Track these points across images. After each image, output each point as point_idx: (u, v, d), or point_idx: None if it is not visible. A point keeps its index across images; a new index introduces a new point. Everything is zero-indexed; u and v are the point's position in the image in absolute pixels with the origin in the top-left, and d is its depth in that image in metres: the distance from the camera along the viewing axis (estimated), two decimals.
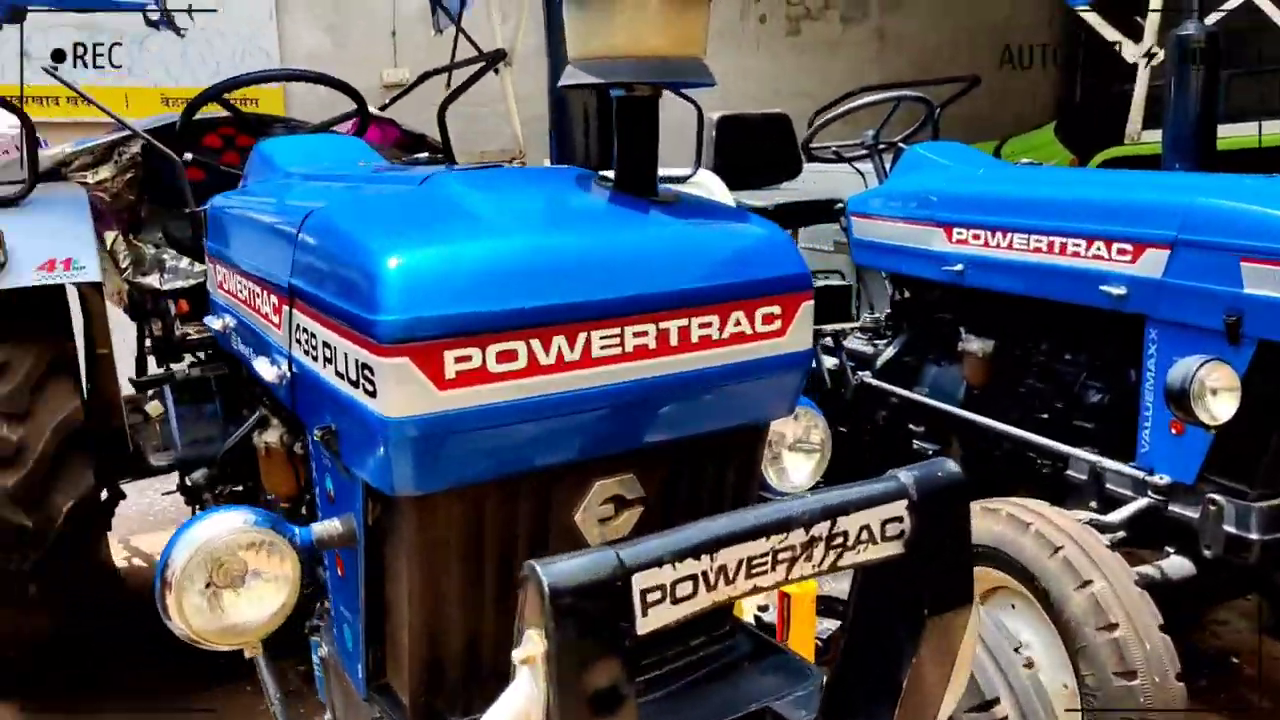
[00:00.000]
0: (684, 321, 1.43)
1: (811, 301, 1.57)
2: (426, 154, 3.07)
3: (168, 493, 3.11)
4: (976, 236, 3.33)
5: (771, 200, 4.71)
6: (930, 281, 3.63)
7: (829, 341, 4.22)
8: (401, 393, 1.26)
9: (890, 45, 8.36)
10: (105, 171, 3.47)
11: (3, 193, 2.83)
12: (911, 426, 3.76)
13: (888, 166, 4.22)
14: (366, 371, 1.30)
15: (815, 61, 8.04)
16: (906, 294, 3.98)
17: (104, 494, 3.19)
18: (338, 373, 1.41)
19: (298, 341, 1.59)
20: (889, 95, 4.21)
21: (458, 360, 1.27)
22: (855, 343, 4.21)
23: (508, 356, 1.30)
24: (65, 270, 2.82)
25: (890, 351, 3.98)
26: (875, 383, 3.87)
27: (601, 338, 1.36)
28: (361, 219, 1.48)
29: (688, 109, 3.22)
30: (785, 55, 8.00)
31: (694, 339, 1.45)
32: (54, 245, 2.81)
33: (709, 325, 1.46)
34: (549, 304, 1.32)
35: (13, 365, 2.78)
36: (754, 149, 5.17)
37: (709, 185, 4.11)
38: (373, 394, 1.30)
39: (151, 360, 3.46)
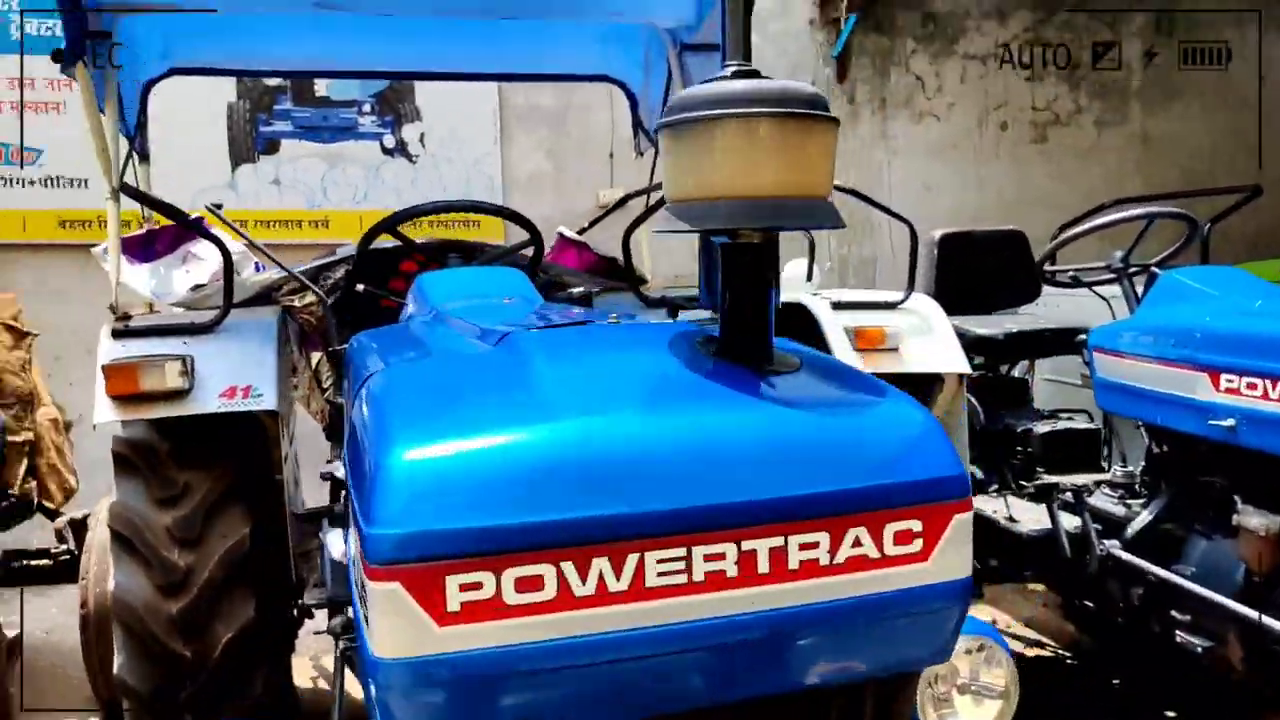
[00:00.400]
0: (778, 540, 1.09)
1: (970, 514, 1.17)
2: (580, 289, 2.91)
3: (318, 633, 3.03)
4: (1253, 386, 2.69)
5: (1002, 328, 4.19)
6: (1194, 436, 2.97)
7: (1069, 497, 3.60)
8: (391, 627, 1.00)
9: (1155, 150, 7.50)
10: (311, 295, 3.58)
11: (200, 319, 2.93)
12: (1175, 614, 3.05)
13: (1139, 293, 3.61)
14: (363, 593, 1.05)
15: (1065, 170, 7.35)
16: (1165, 448, 3.31)
17: (295, 611, 3.18)
18: (358, 581, 1.17)
19: (348, 527, 1.38)
20: (1140, 212, 3.63)
21: (464, 588, 1.00)
22: (1103, 500, 3.56)
23: (530, 584, 1.01)
24: (244, 398, 2.85)
25: (1146, 516, 3.30)
26: (1126, 556, 3.20)
27: (660, 561, 1.05)
28: (398, 394, 1.27)
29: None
30: (1031, 164, 7.37)
31: (793, 565, 1.09)
32: (238, 373, 2.86)
33: (814, 546, 1.10)
34: (588, 515, 1.03)
35: (191, 489, 2.83)
36: (983, 270, 4.66)
37: (923, 311, 3.70)
38: (368, 622, 1.04)
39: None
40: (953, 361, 3.56)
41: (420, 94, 5.75)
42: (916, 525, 1.13)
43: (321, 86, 5.60)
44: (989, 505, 3.82)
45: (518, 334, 1.43)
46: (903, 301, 3.68)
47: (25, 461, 3.67)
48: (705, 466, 1.09)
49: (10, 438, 3.60)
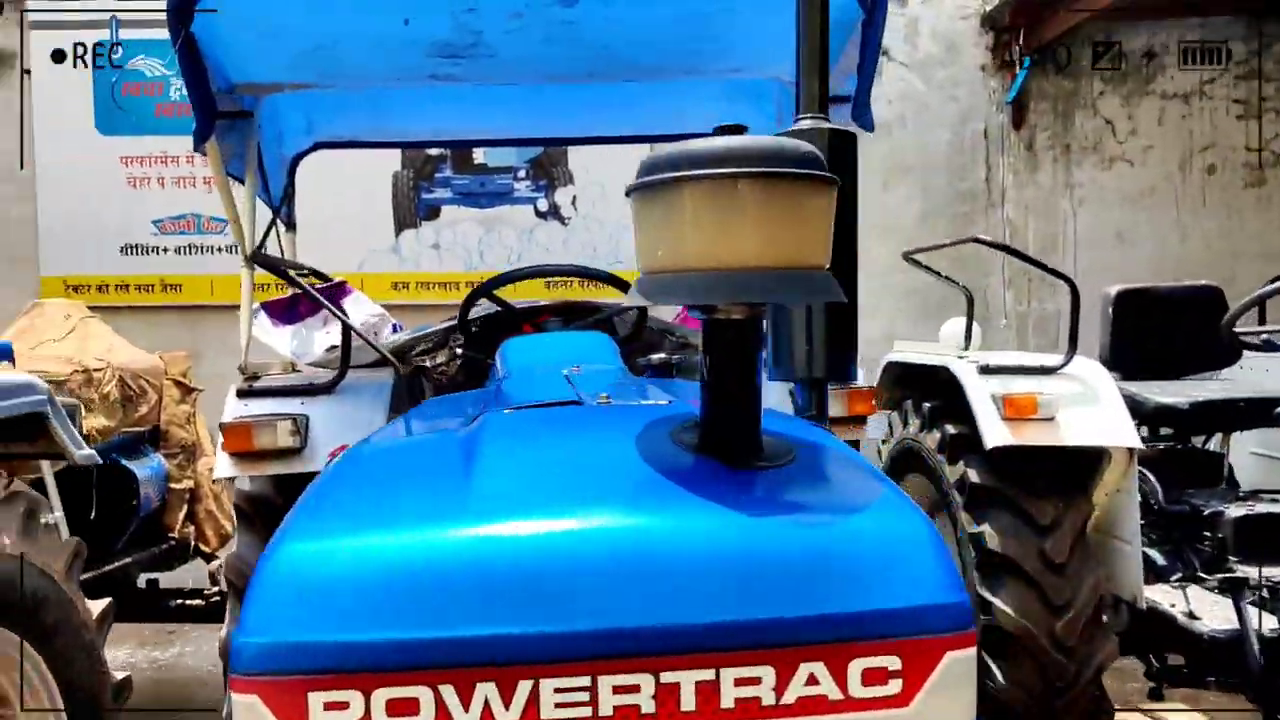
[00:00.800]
0: (707, 673, 0.93)
1: (971, 651, 0.95)
2: (659, 356, 2.79)
3: None
4: None
5: (1187, 396, 3.72)
6: None
7: (1265, 593, 3.09)
8: None
9: None
10: (441, 356, 3.65)
11: (319, 380, 3.03)
12: None
13: None
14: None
15: None
16: None
17: None
18: None
19: None
20: None
21: (328, 707, 0.91)
22: None
23: (403, 708, 0.91)
24: None
25: None
26: None
27: (559, 690, 0.91)
28: (325, 484, 1.20)
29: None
30: (1244, 210, 6.62)
31: (726, 703, 0.93)
32: (347, 432, 2.92)
33: (755, 682, 0.93)
34: (471, 634, 0.91)
35: None
36: (1170, 330, 4.16)
37: (1086, 377, 3.34)
38: None
39: None
40: (1119, 434, 3.17)
41: (573, 158, 5.88)
42: (893, 662, 0.93)
43: (480, 154, 5.83)
44: (1166, 598, 3.34)
45: (490, 416, 1.34)
46: (1063, 366, 3.33)
47: (185, 507, 3.93)
48: (621, 583, 0.94)
49: (172, 485, 3.86)
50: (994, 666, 3.08)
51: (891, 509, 1.05)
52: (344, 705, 0.91)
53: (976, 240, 3.65)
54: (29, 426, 2.04)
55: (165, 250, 5.72)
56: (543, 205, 5.90)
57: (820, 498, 1.10)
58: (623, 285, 2.85)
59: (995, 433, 3.16)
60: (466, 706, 0.90)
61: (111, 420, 3.46)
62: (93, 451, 2.25)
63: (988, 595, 3.11)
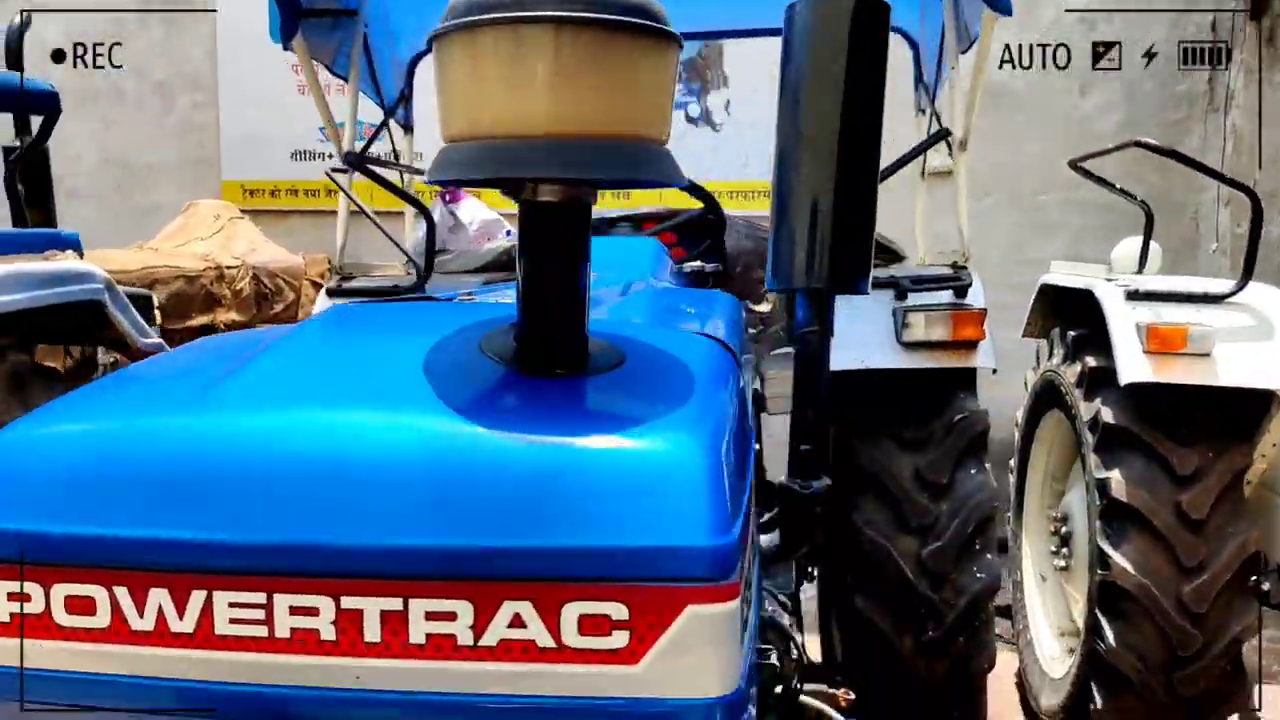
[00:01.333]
0: (393, 602, 0.83)
1: (726, 607, 0.80)
2: (694, 265, 2.58)
3: None
4: None
5: None
6: None
7: None
8: None
9: None
10: None
11: (404, 282, 3.06)
12: None
13: None
14: None
15: None
16: None
17: None
18: None
19: None
20: None
21: (11, 598, 0.90)
22: None
23: (81, 606, 0.88)
24: None
25: None
26: None
27: (233, 605, 0.85)
28: (142, 367, 1.18)
29: None
30: None
31: (416, 638, 0.83)
32: None
33: (449, 617, 0.82)
34: (143, 535, 0.86)
35: None
36: None
37: (1259, 308, 2.89)
38: None
39: None
40: None
41: (729, 59, 5.57)
42: (617, 610, 0.78)
43: None
44: None
45: (332, 309, 1.27)
46: (1233, 294, 2.87)
47: None
48: (310, 494, 0.85)
49: None
50: (1106, 626, 2.76)
51: (663, 432, 0.87)
52: (27, 597, 0.89)
53: (1138, 144, 3.17)
54: (96, 313, 2.19)
55: (330, 156, 5.97)
56: (694, 110, 5.67)
57: (593, 415, 0.96)
58: (704, 195, 2.69)
59: (1133, 367, 2.78)
60: (141, 611, 0.87)
61: (244, 315, 3.69)
62: (160, 340, 2.39)
63: (1107, 547, 2.78)
